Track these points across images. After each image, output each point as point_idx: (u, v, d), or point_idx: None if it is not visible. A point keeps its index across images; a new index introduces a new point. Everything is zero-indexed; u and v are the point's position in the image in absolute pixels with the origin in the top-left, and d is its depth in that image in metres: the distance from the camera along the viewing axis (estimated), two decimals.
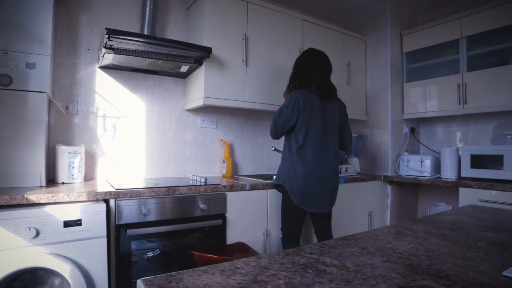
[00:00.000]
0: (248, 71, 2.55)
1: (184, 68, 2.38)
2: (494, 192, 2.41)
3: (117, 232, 1.70)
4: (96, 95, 2.31)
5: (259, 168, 3.04)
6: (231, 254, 1.94)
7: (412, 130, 3.34)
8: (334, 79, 3.09)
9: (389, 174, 3.14)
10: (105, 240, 1.61)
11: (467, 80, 2.83)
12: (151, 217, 1.81)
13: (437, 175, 2.92)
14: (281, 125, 2.11)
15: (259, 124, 3.04)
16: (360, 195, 2.90)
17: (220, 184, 2.12)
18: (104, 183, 2.04)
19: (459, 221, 1.12)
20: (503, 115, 2.87)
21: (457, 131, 3.20)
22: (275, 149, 2.92)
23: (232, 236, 2.13)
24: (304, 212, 2.14)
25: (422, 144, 3.42)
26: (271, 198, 2.32)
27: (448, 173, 2.85)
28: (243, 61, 2.51)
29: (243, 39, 2.51)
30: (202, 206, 1.99)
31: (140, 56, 2.07)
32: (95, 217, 1.58)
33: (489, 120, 2.95)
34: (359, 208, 2.90)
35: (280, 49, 2.73)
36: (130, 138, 2.43)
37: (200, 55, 2.21)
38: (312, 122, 2.08)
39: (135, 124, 2.45)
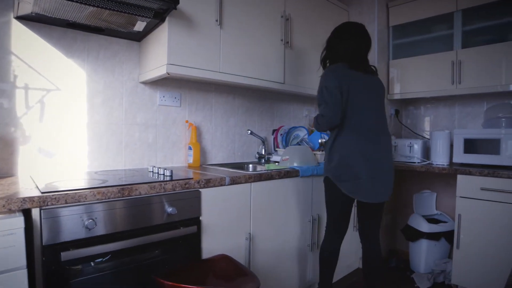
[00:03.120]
0: (223, 34, 2.03)
1: (139, 26, 1.80)
2: (494, 179, 2.17)
3: (46, 258, 1.14)
4: (12, 57, 1.64)
5: (231, 156, 2.56)
6: (213, 274, 1.46)
7: (397, 112, 3.05)
8: (317, 52, 2.69)
9: None
10: (25, 272, 1.04)
11: (462, 57, 2.56)
12: (98, 231, 1.26)
13: (427, 161, 2.65)
14: None
15: (230, 102, 2.54)
16: None
17: (191, 178, 1.61)
18: (27, 182, 1.44)
19: None
20: (495, 97, 2.65)
21: (448, 113, 2.96)
22: (251, 133, 2.45)
23: (210, 246, 1.65)
24: None
25: (407, 127, 3.15)
26: (255, 193, 1.87)
27: (440, 159, 2.59)
28: (216, 20, 1.98)
29: None
30: (169, 209, 1.48)
31: (76, 1, 1.45)
32: (6, 239, 1.01)
33: (480, 102, 2.73)
34: None
35: (259, 12, 2.23)
36: (66, 118, 1.81)
37: (162, 6, 1.64)
38: None
39: (72, 99, 1.83)
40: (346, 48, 1.87)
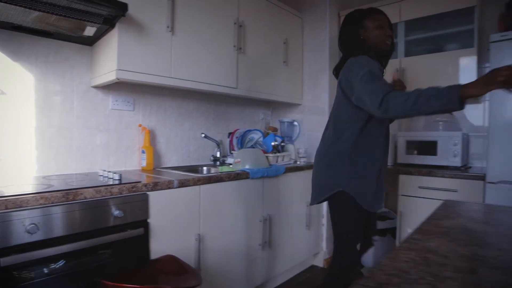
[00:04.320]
0: (175, 40, 2.08)
1: (90, 31, 1.82)
2: (430, 178, 2.36)
3: None
4: None
5: (186, 159, 2.60)
6: (159, 273, 1.52)
7: None
8: (271, 57, 2.80)
9: None
10: None
11: (405, 65, 2.75)
12: (42, 235, 1.28)
13: None
14: None
15: (185, 106, 2.59)
16: (299, 185, 2.67)
17: (139, 181, 1.65)
18: None
19: (468, 229, 0.88)
20: None
21: None
22: (205, 136, 2.51)
23: (158, 247, 1.70)
24: None
25: None
26: (205, 195, 1.93)
27: (391, 160, 2.77)
28: (168, 27, 2.02)
29: (169, 0, 2.03)
30: (116, 212, 1.52)
31: (20, 5, 1.46)
32: None
33: None
34: (299, 199, 2.67)
35: (212, 18, 2.30)
36: (13, 122, 1.80)
37: (111, 12, 1.67)
38: None
39: (19, 103, 1.82)
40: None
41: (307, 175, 2.72)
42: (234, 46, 2.44)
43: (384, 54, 1.69)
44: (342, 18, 3.04)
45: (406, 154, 2.69)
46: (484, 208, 1.19)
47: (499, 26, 2.38)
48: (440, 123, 2.66)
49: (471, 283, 0.55)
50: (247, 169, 2.25)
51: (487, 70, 2.13)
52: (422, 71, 2.67)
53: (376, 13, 1.66)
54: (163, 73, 2.02)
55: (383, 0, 2.87)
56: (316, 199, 1.75)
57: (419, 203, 2.41)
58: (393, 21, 2.73)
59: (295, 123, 3.09)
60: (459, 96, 1.12)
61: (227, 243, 2.09)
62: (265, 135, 2.87)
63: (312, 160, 2.99)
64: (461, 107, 1.14)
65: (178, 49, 2.09)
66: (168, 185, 1.76)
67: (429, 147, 2.58)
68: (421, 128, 2.91)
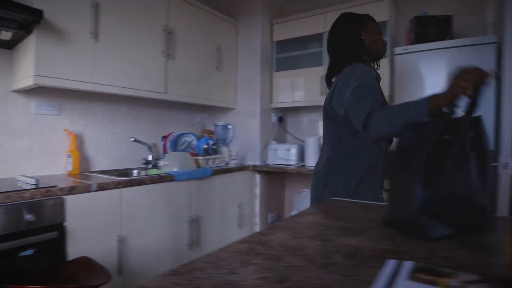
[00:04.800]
0: (99, 46, 2.12)
1: (6, 35, 1.83)
2: None
3: None
4: None
5: (118, 162, 2.64)
6: (70, 274, 1.57)
7: (280, 119, 3.38)
8: (204, 63, 2.90)
9: (258, 163, 3.12)
10: None
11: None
12: None
13: (302, 163, 3.01)
14: None
15: (116, 110, 2.62)
16: (230, 187, 2.80)
17: (55, 186, 1.69)
18: None
19: (317, 224, 1.03)
20: None
21: (319, 120, 3.37)
22: (135, 140, 2.57)
23: (76, 250, 1.74)
24: None
25: (289, 133, 3.51)
26: (127, 198, 2.00)
27: (312, 161, 2.96)
28: (91, 33, 2.07)
29: (92, 6, 2.07)
30: (27, 217, 1.55)
31: None
32: None
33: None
34: (229, 200, 2.80)
35: (139, 25, 2.36)
36: None
37: (26, 19, 1.70)
38: None
39: None
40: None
41: (237, 176, 2.87)
42: (163, 53, 2.52)
43: (377, 59, 1.61)
44: (276, 26, 3.24)
45: None
46: (360, 206, 1.35)
47: (407, 39, 2.64)
48: None
49: (267, 268, 0.68)
50: (172, 171, 2.33)
51: (397, 79, 2.38)
52: None
53: (375, 20, 1.60)
54: (86, 78, 2.06)
55: (311, 11, 3.06)
56: None
57: None
58: (318, 31, 2.97)
59: (229, 126, 3.21)
60: (429, 107, 1.03)
61: (153, 244, 2.17)
62: (200, 138, 2.97)
63: (245, 162, 3.14)
64: (431, 118, 1.01)
65: (102, 55, 2.14)
66: (86, 189, 1.81)
67: None
68: None
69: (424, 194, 0.84)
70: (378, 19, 2.72)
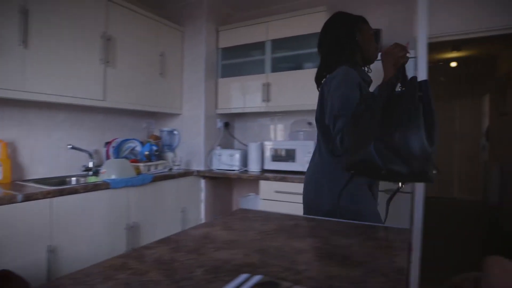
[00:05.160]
0: (29, 54, 2.08)
1: None
2: (286, 183, 2.67)
3: None
4: None
5: (56, 170, 2.59)
6: None
7: (226, 125, 3.44)
8: (147, 70, 2.91)
9: (203, 168, 3.16)
10: None
11: (271, 80, 3.05)
12: None
13: (245, 168, 3.08)
14: None
15: (53, 117, 2.58)
16: (172, 192, 2.82)
17: None
18: None
19: (207, 237, 1.08)
20: (298, 114, 3.21)
21: (264, 126, 3.45)
22: (73, 147, 2.54)
23: (1, 264, 1.71)
24: None
25: (235, 138, 3.57)
26: (58, 207, 1.98)
27: (254, 166, 3.04)
28: (20, 40, 2.03)
29: (20, 12, 2.03)
30: None
31: None
32: None
33: (288, 117, 3.27)
34: (172, 206, 2.82)
35: (75, 32, 2.33)
36: None
37: None
38: None
39: None
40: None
41: (181, 182, 2.90)
42: (101, 60, 2.50)
43: (369, 63, 1.57)
44: (221, 33, 3.29)
45: (272, 161, 2.99)
46: (255, 215, 1.42)
47: None
48: (301, 133, 3.00)
49: (124, 283, 0.73)
50: (109, 179, 2.33)
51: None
52: (286, 85, 2.98)
53: (368, 23, 1.56)
54: (16, 86, 2.03)
55: (254, 20, 3.13)
56: None
57: (276, 206, 2.70)
58: (262, 39, 3.04)
59: (175, 132, 3.23)
60: (386, 82, 1.20)
61: (88, 252, 2.16)
62: (145, 144, 2.97)
63: (190, 167, 3.18)
64: (392, 86, 1.11)
65: (33, 63, 2.10)
66: (11, 200, 1.78)
67: (290, 154, 2.90)
68: (287, 137, 3.24)
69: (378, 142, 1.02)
70: (315, 29, 2.86)
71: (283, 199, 2.67)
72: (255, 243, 1.02)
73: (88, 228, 2.16)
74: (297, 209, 2.59)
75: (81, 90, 2.40)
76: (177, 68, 3.24)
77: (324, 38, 1.54)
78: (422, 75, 1.96)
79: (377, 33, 2.57)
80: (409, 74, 1.16)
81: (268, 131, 3.45)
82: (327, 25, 1.55)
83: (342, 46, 1.46)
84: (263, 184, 2.77)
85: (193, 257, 0.91)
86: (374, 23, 2.80)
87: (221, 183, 3.40)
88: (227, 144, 3.48)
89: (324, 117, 1.39)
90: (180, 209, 2.90)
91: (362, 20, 1.52)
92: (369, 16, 2.96)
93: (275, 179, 2.70)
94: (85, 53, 2.41)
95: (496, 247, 3.51)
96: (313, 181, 1.52)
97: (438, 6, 2.65)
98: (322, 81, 1.49)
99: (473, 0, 2.62)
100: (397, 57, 1.21)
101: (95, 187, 2.21)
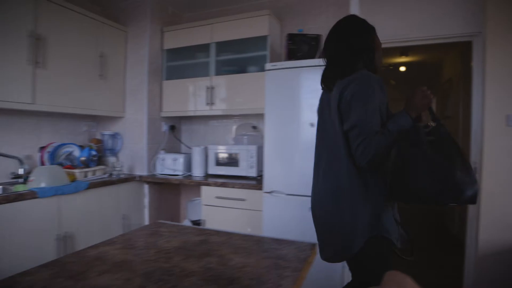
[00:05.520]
0: None
1: None
2: (227, 189, 2.64)
3: None
4: None
5: None
6: None
7: (173, 128, 3.36)
8: (85, 71, 2.78)
9: (146, 173, 3.07)
10: None
11: (215, 83, 3.00)
12: None
13: (189, 173, 3.03)
14: None
15: None
16: (112, 199, 2.72)
17: None
18: None
19: (101, 258, 1.02)
20: (244, 117, 3.19)
21: (212, 129, 3.41)
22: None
23: None
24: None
25: (181, 142, 3.50)
26: None
27: (198, 171, 2.99)
28: None
29: None
30: None
31: None
32: None
33: (236, 121, 3.25)
34: (111, 213, 2.72)
35: None
36: None
37: None
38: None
39: None
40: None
41: (122, 188, 2.80)
42: (28, 60, 2.36)
43: (375, 72, 1.46)
44: (166, 34, 3.20)
45: (216, 165, 2.95)
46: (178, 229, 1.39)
47: (285, 54, 2.76)
48: (245, 137, 2.98)
49: None
50: (36, 188, 2.21)
51: (267, 94, 2.46)
52: (229, 89, 2.95)
53: None
54: None
55: (200, 21, 3.08)
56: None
57: (217, 211, 2.67)
58: (205, 41, 2.99)
59: (117, 136, 3.12)
60: (410, 118, 1.27)
61: (13, 264, 2.02)
62: (84, 148, 2.84)
63: (133, 172, 3.08)
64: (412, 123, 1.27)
65: None
66: None
67: (234, 159, 2.87)
68: (231, 141, 3.22)
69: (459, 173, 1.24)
70: (259, 33, 2.86)
71: (223, 204, 2.65)
72: (146, 265, 0.98)
73: (10, 240, 2.03)
74: (238, 215, 2.60)
75: (6, 93, 2.25)
76: (119, 69, 3.12)
77: (338, 40, 1.45)
78: None
79: (317, 38, 2.60)
80: None
81: (216, 135, 3.41)
82: (342, 28, 1.47)
83: (361, 51, 1.40)
84: (204, 189, 2.73)
85: (70, 285, 0.85)
86: (316, 29, 2.84)
87: (168, 188, 3.33)
88: (173, 148, 3.40)
89: (336, 127, 1.36)
90: (121, 216, 2.80)
91: (374, 30, 1.48)
92: (311, 22, 3.03)
93: (216, 185, 2.66)
94: (9, 53, 2.26)
95: (445, 250, 3.65)
96: (340, 196, 1.36)
97: (388, 14, 2.77)
98: (335, 83, 1.39)
99: (419, 10, 2.72)
100: (421, 105, 1.29)
101: (20, 197, 2.08)
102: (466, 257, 2.73)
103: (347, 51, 1.40)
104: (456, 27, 2.69)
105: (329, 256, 1.44)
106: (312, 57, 2.54)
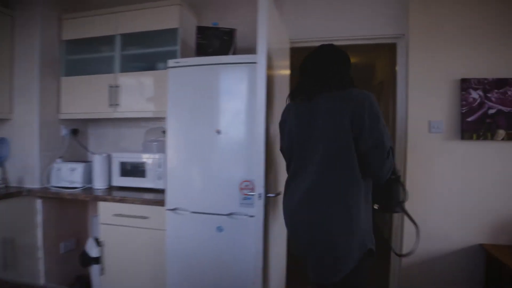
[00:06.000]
0: None
1: None
2: (127, 205, 2.27)
3: None
4: None
5: None
6: None
7: (75, 132, 2.91)
8: None
9: (38, 186, 2.60)
10: None
11: (120, 81, 2.61)
12: None
13: (89, 185, 2.61)
14: None
15: None
16: None
17: None
18: None
19: None
20: (158, 121, 2.82)
21: (122, 134, 3.00)
22: None
23: None
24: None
25: (86, 148, 3.05)
26: None
27: (100, 183, 2.60)
28: None
29: None
30: None
31: None
32: None
33: (141, 125, 2.87)
34: None
35: None
36: None
37: None
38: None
39: None
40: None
41: (3, 205, 2.34)
42: None
43: None
44: (66, 23, 2.73)
45: (121, 176, 2.57)
46: None
47: (196, 49, 2.43)
48: (155, 143, 2.62)
49: None
50: None
51: (171, 95, 2.13)
52: (137, 88, 2.58)
53: None
54: None
55: (103, 9, 2.65)
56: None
57: (118, 231, 2.30)
58: (109, 32, 2.58)
59: (3, 141, 2.62)
60: None
61: None
62: None
63: (22, 185, 2.60)
64: None
65: None
66: None
67: (140, 169, 2.51)
68: (139, 149, 2.83)
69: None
70: (168, 25, 2.51)
71: (124, 223, 2.28)
72: None
73: None
74: (140, 235, 2.22)
75: None
76: (4, 61, 2.61)
77: (338, 70, 1.52)
78: (261, 77, 1.71)
79: (231, 33, 2.31)
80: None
81: (128, 140, 2.99)
82: (339, 57, 1.55)
83: (347, 70, 1.54)
84: (102, 205, 2.33)
85: None
86: (237, 24, 2.54)
87: (70, 202, 2.86)
88: (77, 156, 2.94)
89: (347, 134, 1.36)
90: (0, 239, 2.33)
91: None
92: (231, 16, 2.73)
93: (114, 200, 2.29)
94: None
95: (379, 254, 3.54)
96: (344, 205, 1.35)
97: (312, 12, 2.65)
98: (320, 95, 1.46)
99: (345, 9, 2.60)
100: None
101: None
102: (391, 267, 2.62)
103: (338, 68, 1.51)
104: (382, 28, 2.55)
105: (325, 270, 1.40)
106: (225, 53, 2.25)
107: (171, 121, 2.11)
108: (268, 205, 1.81)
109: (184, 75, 2.10)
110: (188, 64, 2.08)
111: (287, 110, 1.60)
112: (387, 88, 4.07)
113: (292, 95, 1.59)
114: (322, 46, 1.58)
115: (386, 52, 3.84)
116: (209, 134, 2.02)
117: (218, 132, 2.00)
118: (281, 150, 1.69)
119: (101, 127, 3.06)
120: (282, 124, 1.62)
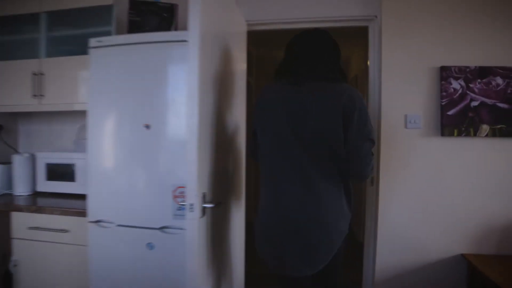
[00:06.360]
0: None
1: None
2: (45, 215, 1.88)
3: None
4: None
5: None
6: None
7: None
8: None
9: None
10: None
11: (46, 67, 2.20)
12: None
13: (9, 191, 2.20)
14: None
15: None
16: None
17: None
18: None
19: None
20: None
21: (58, 131, 2.58)
22: None
23: None
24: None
25: (12, 147, 2.58)
26: None
27: (21, 188, 2.19)
28: None
29: None
30: None
31: None
32: None
33: (77, 121, 2.46)
34: None
35: None
36: None
37: None
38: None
39: None
40: None
41: None
42: None
43: None
44: None
45: (47, 180, 2.17)
46: None
47: (128, 28, 2.04)
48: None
49: None
50: None
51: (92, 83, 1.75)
52: (68, 76, 2.17)
53: None
54: None
55: None
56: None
57: (34, 248, 1.90)
58: (34, 10, 2.17)
59: None
60: None
61: None
62: None
63: None
64: None
65: None
66: None
67: (69, 171, 2.12)
68: (70, 148, 2.42)
69: None
70: (100, 1, 2.11)
71: (41, 237, 1.88)
72: None
73: None
74: (60, 252, 1.82)
75: None
76: None
77: (331, 59, 1.41)
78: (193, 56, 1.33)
79: (171, 8, 1.94)
80: None
81: (66, 138, 2.57)
82: (333, 47, 1.43)
83: (337, 71, 1.41)
84: (15, 216, 1.93)
85: None
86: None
87: None
88: (4, 158, 2.51)
89: (336, 134, 1.29)
90: None
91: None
92: None
93: (29, 210, 1.89)
94: None
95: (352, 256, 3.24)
96: (334, 209, 1.35)
97: None
98: (305, 82, 1.35)
99: None
100: None
101: None
102: (363, 282, 2.33)
103: (329, 57, 1.41)
104: (351, 8, 2.22)
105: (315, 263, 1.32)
106: (167, 30, 1.89)
107: (93, 114, 1.74)
108: (210, 217, 1.45)
109: (108, 56, 1.72)
110: (112, 43, 1.71)
111: (272, 91, 1.42)
112: (361, 82, 3.78)
113: (278, 75, 1.44)
114: (316, 29, 1.46)
115: (361, 45, 3.55)
116: (138, 130, 1.65)
117: (147, 127, 1.63)
118: (253, 133, 1.48)
119: (33, 123, 2.63)
120: (263, 104, 1.42)
